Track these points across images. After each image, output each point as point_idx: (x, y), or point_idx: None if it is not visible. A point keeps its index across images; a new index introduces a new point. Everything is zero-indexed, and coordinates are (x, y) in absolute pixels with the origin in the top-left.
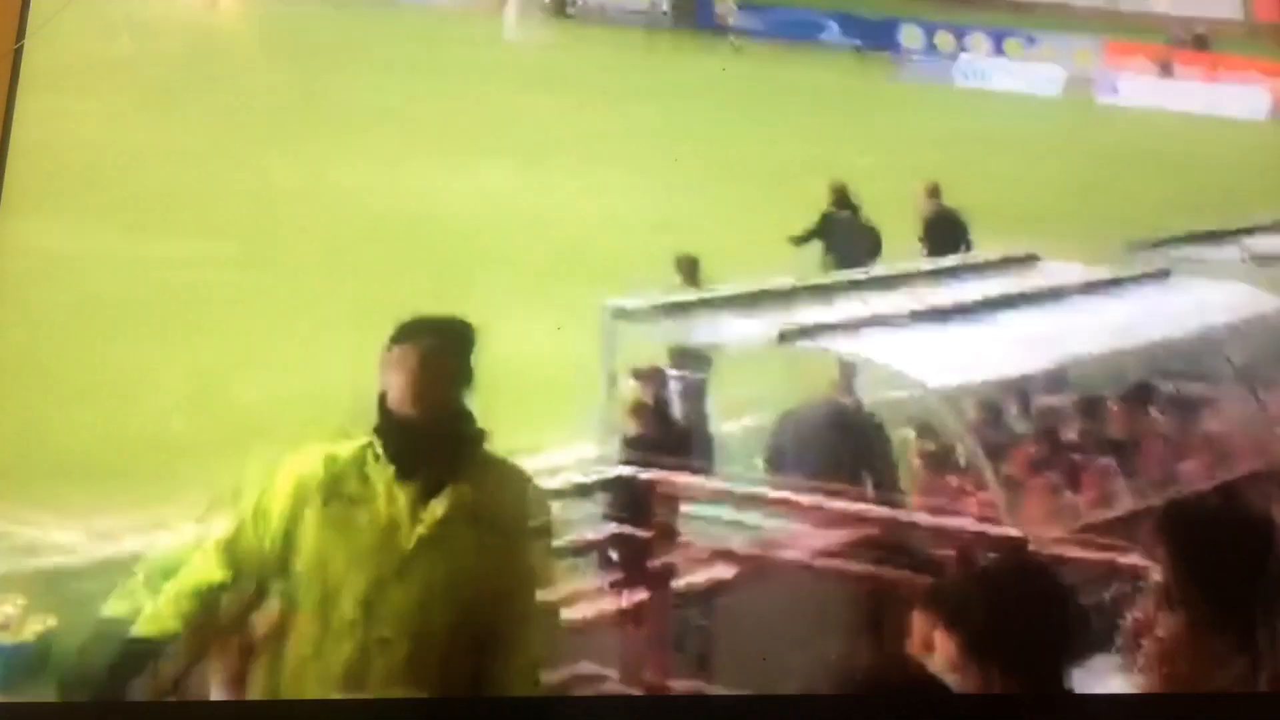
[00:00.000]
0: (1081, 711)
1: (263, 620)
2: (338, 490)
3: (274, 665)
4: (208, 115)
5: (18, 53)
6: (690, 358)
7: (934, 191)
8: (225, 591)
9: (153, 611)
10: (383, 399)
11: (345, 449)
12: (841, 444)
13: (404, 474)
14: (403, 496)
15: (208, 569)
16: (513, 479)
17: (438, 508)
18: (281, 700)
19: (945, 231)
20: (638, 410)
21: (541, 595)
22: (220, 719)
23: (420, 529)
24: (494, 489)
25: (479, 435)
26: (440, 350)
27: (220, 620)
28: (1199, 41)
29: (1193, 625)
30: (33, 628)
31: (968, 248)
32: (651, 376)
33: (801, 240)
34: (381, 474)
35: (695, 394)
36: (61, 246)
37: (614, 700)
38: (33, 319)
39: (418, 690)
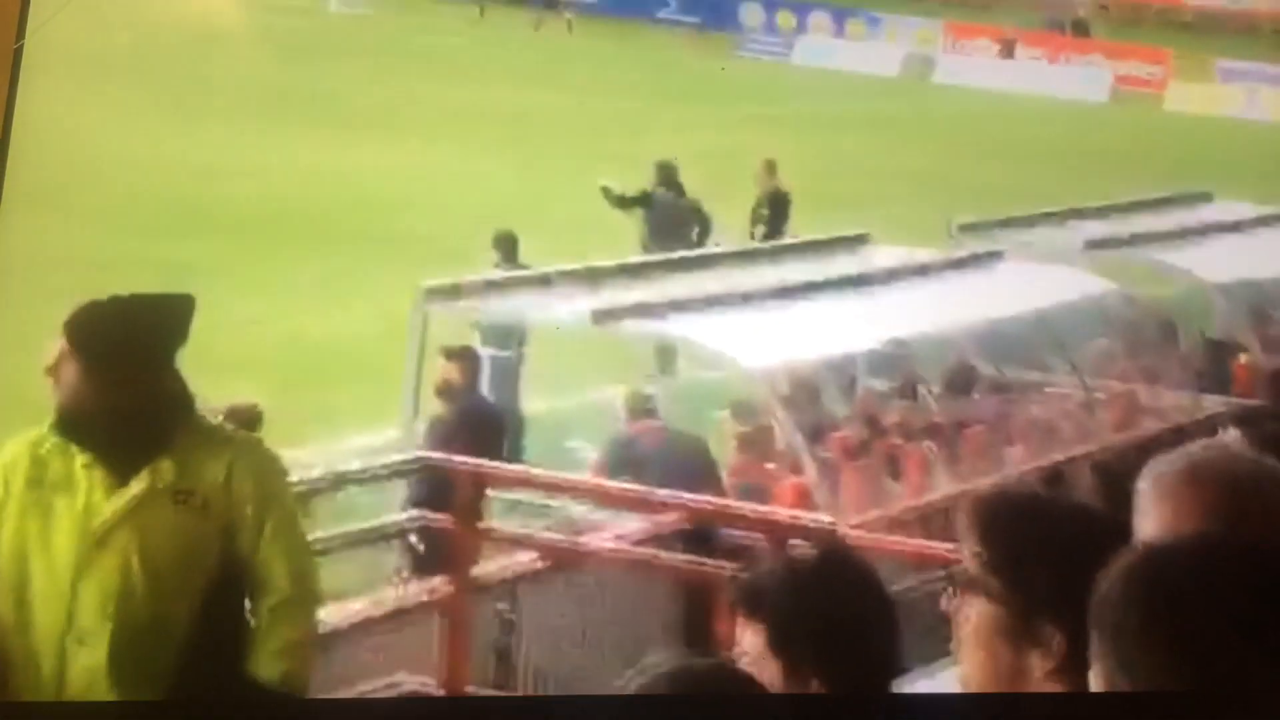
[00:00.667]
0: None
1: None
2: (40, 476)
3: None
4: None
5: (18, 52)
6: (503, 335)
7: (771, 169)
8: None
9: None
10: (58, 386)
11: (46, 433)
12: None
13: (97, 456)
14: (98, 481)
15: None
16: (230, 446)
17: (132, 488)
18: (291, 699)
19: (779, 210)
20: (446, 391)
21: (290, 568)
22: (220, 717)
23: (110, 513)
24: (195, 469)
25: (182, 408)
26: (114, 332)
27: None
28: (1078, 27)
29: (998, 615)
30: None
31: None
32: (462, 355)
33: (619, 200)
34: (79, 459)
35: (508, 373)
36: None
37: (614, 699)
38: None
39: (124, 691)
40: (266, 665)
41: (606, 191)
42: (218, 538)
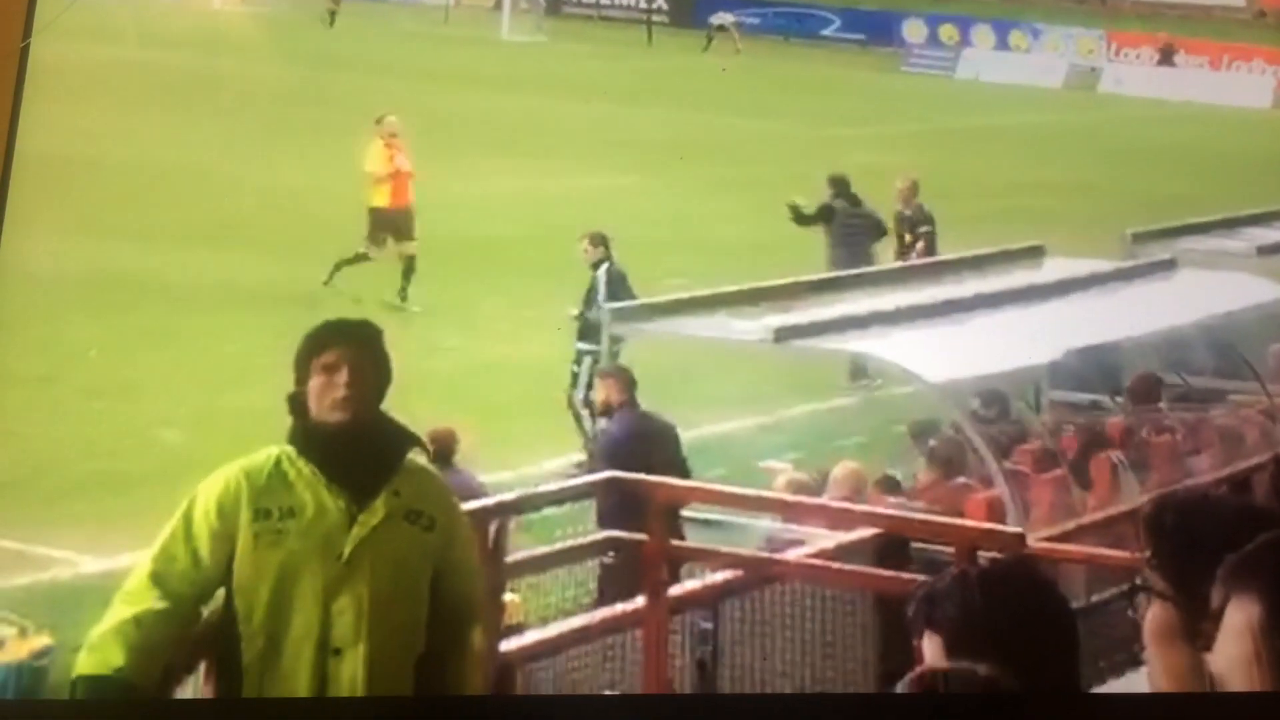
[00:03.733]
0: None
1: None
2: (264, 504)
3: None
4: (211, 118)
5: (24, 51)
6: (594, 331)
7: (915, 189)
8: (166, 619)
9: (91, 648)
10: (298, 404)
11: (261, 461)
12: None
13: (333, 480)
14: (334, 504)
15: (145, 598)
16: (437, 482)
17: (375, 512)
18: (288, 699)
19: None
20: (606, 410)
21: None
22: (224, 717)
23: (357, 535)
24: (422, 491)
25: (411, 438)
26: (366, 353)
27: (166, 648)
28: None
29: (1171, 615)
30: (30, 646)
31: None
32: (616, 374)
33: (802, 217)
34: (306, 482)
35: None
36: (67, 254)
37: (614, 700)
38: (34, 328)
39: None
40: (471, 675)
41: (794, 209)
42: (435, 557)
